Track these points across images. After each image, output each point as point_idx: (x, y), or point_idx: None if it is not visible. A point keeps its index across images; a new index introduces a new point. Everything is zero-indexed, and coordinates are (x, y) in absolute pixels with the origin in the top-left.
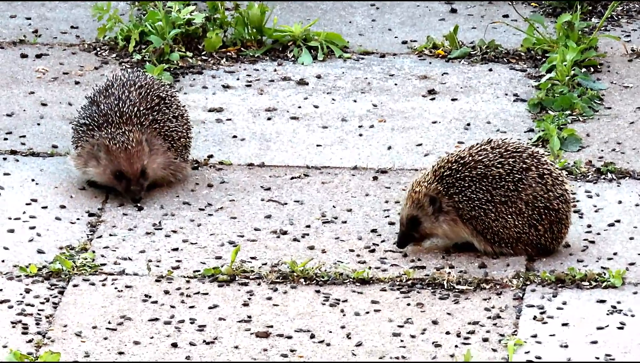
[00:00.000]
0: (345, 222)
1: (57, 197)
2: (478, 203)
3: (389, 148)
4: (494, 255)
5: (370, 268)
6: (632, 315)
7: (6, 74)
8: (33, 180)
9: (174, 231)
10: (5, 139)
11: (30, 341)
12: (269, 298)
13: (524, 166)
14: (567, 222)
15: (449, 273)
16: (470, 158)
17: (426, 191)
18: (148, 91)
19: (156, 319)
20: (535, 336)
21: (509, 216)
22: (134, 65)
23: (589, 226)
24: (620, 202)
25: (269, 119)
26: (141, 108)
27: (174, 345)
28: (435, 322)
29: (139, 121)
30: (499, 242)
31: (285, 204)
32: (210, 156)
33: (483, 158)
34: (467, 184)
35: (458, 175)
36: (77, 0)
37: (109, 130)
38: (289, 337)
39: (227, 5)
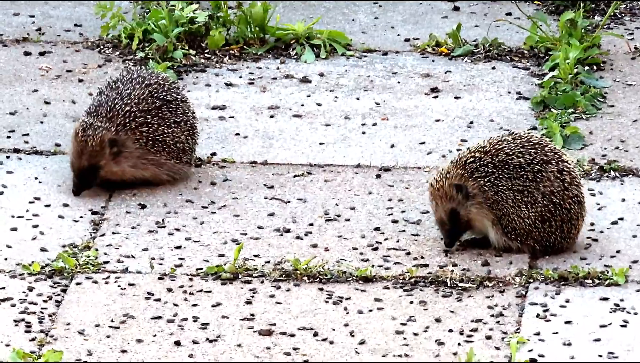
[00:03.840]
0: (348, 220)
1: (60, 195)
2: (501, 188)
3: (392, 145)
4: (503, 248)
5: (373, 266)
6: (635, 313)
7: (9, 72)
8: (36, 178)
9: (177, 229)
10: (9, 137)
11: (33, 339)
12: (272, 296)
13: (545, 158)
14: (577, 223)
15: (452, 271)
16: (491, 147)
17: (449, 181)
18: (154, 92)
19: (159, 317)
20: (538, 334)
21: (524, 206)
22: (137, 63)
23: (592, 224)
24: (623, 200)
25: (271, 117)
26: (134, 109)
27: (177, 343)
28: (438, 320)
29: (123, 121)
30: (511, 232)
31: (289, 202)
32: (213, 154)
33: (504, 147)
34: (490, 170)
35: (481, 162)
36: None
37: (89, 120)
38: (292, 335)
39: (230, 3)
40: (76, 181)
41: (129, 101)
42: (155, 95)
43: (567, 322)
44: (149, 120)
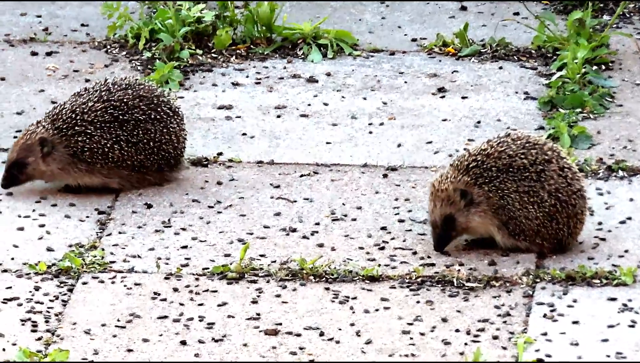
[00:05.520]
0: (354, 220)
1: (67, 195)
2: (507, 192)
3: (399, 145)
4: (511, 249)
5: (379, 265)
6: None
7: (16, 72)
8: None
9: (183, 229)
10: (15, 137)
11: (39, 339)
12: (278, 296)
13: (546, 158)
14: (582, 218)
15: (459, 270)
16: (492, 150)
17: (455, 186)
18: (109, 107)
19: (165, 317)
20: (545, 334)
21: (531, 206)
22: (144, 63)
23: (600, 223)
24: (631, 200)
25: (278, 116)
26: (78, 118)
27: (183, 342)
28: (444, 320)
29: (61, 126)
30: (520, 234)
31: (295, 201)
32: (220, 154)
33: (506, 149)
34: (494, 175)
35: (485, 166)
36: None
37: (41, 119)
38: (298, 335)
39: (237, 3)
40: (5, 174)
41: (76, 109)
42: (110, 110)
43: (575, 322)
44: (90, 131)
